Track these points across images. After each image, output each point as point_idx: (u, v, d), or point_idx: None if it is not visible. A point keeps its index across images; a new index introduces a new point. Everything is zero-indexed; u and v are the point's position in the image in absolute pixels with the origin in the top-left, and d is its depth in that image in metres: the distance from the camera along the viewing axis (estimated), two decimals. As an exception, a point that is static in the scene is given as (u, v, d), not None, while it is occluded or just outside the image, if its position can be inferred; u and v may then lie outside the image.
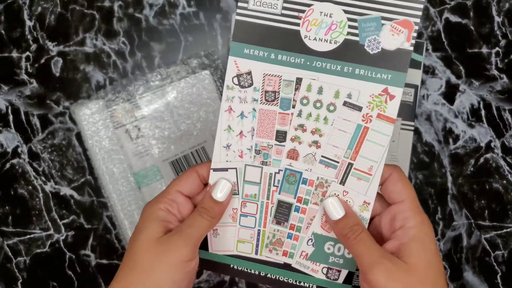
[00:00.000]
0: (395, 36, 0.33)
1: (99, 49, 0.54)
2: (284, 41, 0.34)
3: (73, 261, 0.53)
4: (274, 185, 0.36)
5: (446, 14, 0.54)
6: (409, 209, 0.33)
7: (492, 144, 0.53)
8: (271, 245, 0.37)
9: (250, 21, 0.34)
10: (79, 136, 0.53)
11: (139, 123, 0.52)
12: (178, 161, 0.52)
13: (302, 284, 0.37)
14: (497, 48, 0.54)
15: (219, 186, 0.35)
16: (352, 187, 0.35)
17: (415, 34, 0.33)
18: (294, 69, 0.34)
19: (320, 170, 0.35)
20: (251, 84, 0.35)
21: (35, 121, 0.54)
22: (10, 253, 0.53)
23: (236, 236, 0.37)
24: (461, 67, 0.54)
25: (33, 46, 0.54)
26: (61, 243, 0.53)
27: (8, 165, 0.53)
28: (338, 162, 0.35)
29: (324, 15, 0.33)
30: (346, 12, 0.33)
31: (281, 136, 0.35)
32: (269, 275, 0.37)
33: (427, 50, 0.54)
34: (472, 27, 0.54)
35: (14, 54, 0.54)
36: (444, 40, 0.54)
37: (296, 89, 0.34)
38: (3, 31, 0.54)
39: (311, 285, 0.37)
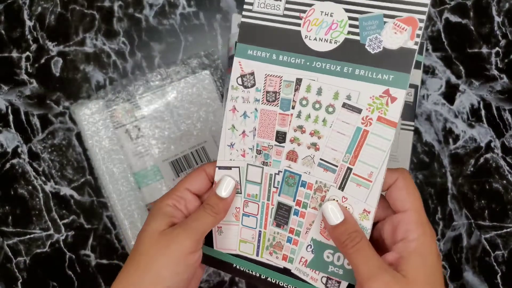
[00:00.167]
0: (398, 35, 0.31)
1: (99, 49, 0.54)
2: (285, 41, 0.34)
3: (73, 261, 0.53)
4: (274, 186, 0.36)
5: (446, 14, 0.54)
6: (411, 221, 0.31)
7: (492, 144, 0.53)
8: (272, 247, 0.36)
9: (255, 22, 0.34)
10: (79, 136, 0.53)
11: (139, 123, 0.52)
12: (178, 161, 0.52)
13: None
14: (497, 48, 0.54)
15: (223, 183, 0.36)
16: (351, 194, 0.33)
17: (419, 32, 0.30)
18: (294, 70, 0.34)
19: (318, 174, 0.34)
20: (253, 85, 0.35)
21: (35, 121, 0.54)
22: (10, 253, 0.53)
23: (239, 235, 0.37)
24: (461, 67, 0.54)
25: (33, 46, 0.54)
26: (61, 243, 0.53)
27: (8, 165, 0.53)
28: (336, 166, 0.33)
29: (325, 14, 0.33)
30: (347, 10, 0.32)
31: (281, 137, 0.35)
32: (269, 279, 0.37)
33: (427, 50, 0.54)
34: (472, 27, 0.54)
35: (14, 54, 0.54)
36: (444, 40, 0.54)
37: (296, 89, 0.34)
38: (3, 31, 0.54)
39: None
